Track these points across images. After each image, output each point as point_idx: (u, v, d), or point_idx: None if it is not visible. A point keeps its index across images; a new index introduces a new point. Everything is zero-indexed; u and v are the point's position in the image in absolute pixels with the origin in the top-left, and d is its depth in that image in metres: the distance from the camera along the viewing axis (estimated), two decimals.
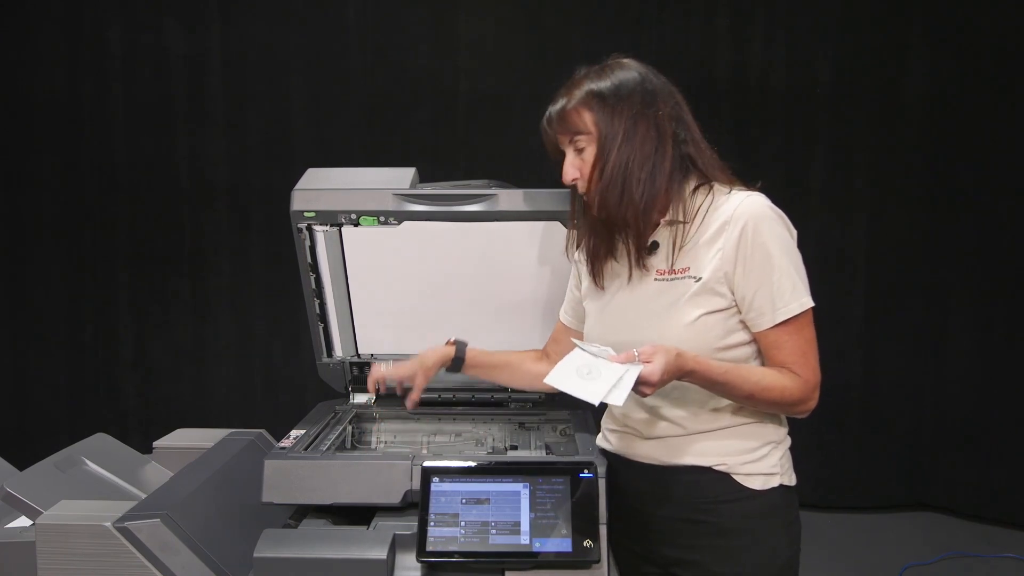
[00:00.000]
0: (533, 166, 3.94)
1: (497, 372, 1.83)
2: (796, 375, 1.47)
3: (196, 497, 1.59)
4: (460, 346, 1.78)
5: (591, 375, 1.33)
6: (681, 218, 1.50)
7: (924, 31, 3.83)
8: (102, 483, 1.80)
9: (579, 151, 1.52)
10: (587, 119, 1.50)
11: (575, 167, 1.52)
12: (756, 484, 1.51)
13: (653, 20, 3.92)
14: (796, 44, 3.90)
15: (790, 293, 1.45)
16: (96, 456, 1.86)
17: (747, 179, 1.56)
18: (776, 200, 1.52)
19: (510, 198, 1.81)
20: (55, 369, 4.20)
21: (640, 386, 1.33)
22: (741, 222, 1.45)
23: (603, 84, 1.50)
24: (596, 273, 1.62)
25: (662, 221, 1.53)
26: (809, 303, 1.47)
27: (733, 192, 1.51)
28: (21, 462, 1.82)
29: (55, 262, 4.16)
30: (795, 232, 1.51)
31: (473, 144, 4.02)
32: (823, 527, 3.75)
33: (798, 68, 3.91)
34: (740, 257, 1.45)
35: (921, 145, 3.88)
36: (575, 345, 1.44)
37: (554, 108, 1.54)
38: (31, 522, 1.56)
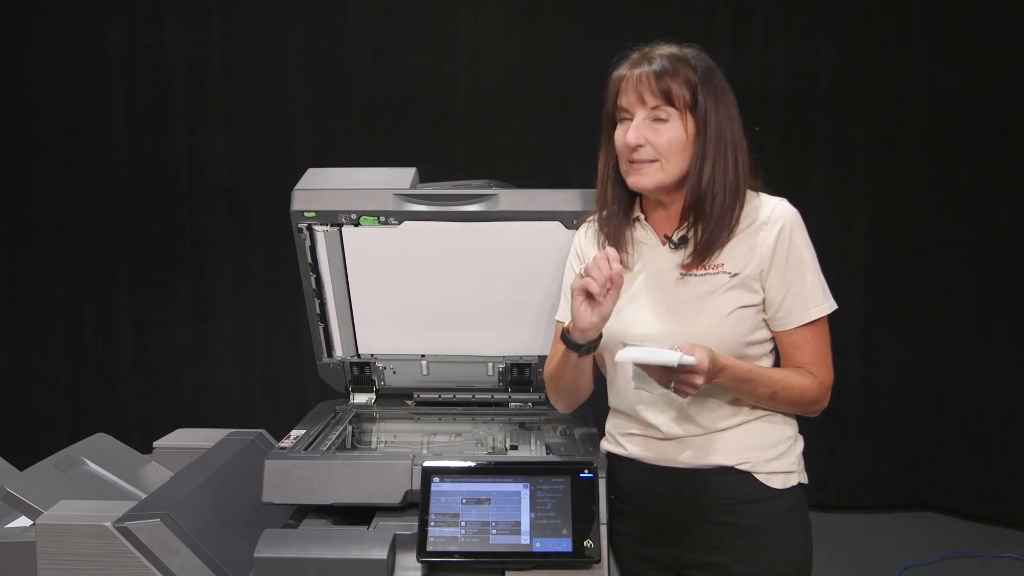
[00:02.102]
0: (533, 166, 3.98)
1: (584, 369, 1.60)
2: (813, 375, 1.52)
3: (196, 497, 1.59)
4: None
5: (654, 356, 1.33)
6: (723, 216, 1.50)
7: (924, 31, 3.83)
8: (102, 483, 1.80)
9: (658, 120, 1.47)
10: (684, 93, 1.46)
11: (640, 133, 1.47)
12: (777, 483, 1.52)
13: (653, 20, 3.92)
14: (796, 44, 3.90)
15: (820, 295, 1.52)
16: (96, 456, 1.86)
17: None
18: None
19: (510, 198, 1.81)
20: (55, 369, 4.19)
21: (692, 375, 1.33)
22: (779, 224, 1.50)
23: (700, 62, 1.49)
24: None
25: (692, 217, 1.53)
26: (834, 305, 1.53)
27: (762, 196, 1.55)
28: (21, 462, 1.82)
29: (55, 262, 4.16)
30: None
31: (473, 144, 4.02)
32: (823, 527, 3.72)
33: (798, 68, 3.91)
34: (776, 257, 1.49)
35: (921, 145, 3.87)
36: (624, 345, 1.41)
37: (650, 67, 1.47)
38: (31, 522, 1.56)
